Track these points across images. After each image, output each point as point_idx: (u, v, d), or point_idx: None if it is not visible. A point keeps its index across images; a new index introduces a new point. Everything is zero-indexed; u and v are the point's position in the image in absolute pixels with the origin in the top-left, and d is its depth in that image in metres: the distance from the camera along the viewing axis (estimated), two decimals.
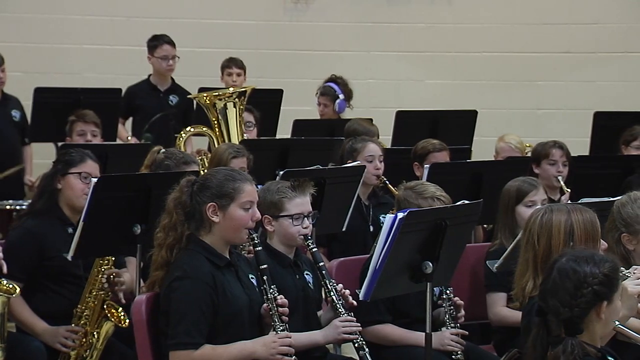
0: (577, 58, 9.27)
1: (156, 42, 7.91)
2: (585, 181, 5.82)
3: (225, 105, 6.54)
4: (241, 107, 6.59)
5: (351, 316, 4.14)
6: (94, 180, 4.54)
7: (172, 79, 8.03)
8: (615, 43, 9.26)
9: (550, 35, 9.25)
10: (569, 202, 4.66)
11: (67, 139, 6.49)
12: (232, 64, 8.19)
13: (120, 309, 4.71)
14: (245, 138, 6.50)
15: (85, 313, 4.71)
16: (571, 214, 3.54)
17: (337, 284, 4.20)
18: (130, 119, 8.01)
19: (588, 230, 3.54)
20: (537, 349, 3.06)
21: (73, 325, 4.70)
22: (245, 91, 6.65)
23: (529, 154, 6.89)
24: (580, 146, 7.26)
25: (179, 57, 7.93)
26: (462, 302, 4.50)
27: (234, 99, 6.57)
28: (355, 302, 4.18)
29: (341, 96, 7.97)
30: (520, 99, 9.25)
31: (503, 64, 9.27)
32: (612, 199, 4.21)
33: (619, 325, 3.17)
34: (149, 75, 8.01)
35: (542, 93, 9.30)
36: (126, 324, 4.65)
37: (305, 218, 4.26)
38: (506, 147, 6.85)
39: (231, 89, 6.94)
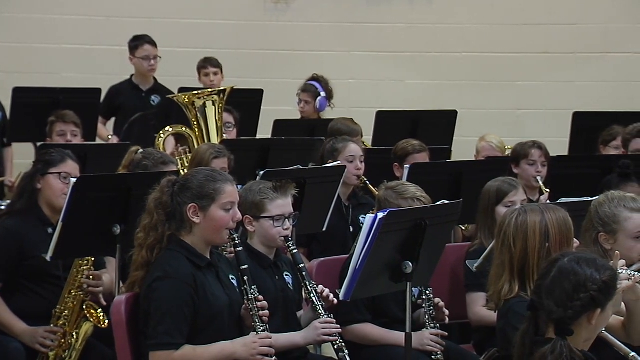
0: (556, 58, 9.32)
1: (137, 42, 7.90)
2: (564, 181, 5.84)
3: (204, 103, 6.53)
4: (220, 105, 6.58)
5: (331, 317, 4.14)
6: (73, 180, 4.53)
7: (155, 79, 8.01)
8: (594, 44, 9.31)
9: (529, 36, 9.29)
10: (548, 202, 4.68)
11: (47, 139, 6.46)
12: (207, 64, 8.18)
13: (100, 309, 4.70)
14: (225, 138, 6.50)
15: (64, 313, 4.69)
16: (545, 214, 3.56)
17: (317, 285, 4.20)
18: (112, 119, 8.00)
19: (562, 229, 3.56)
20: (526, 344, 3.06)
21: (52, 325, 4.68)
22: (225, 90, 6.64)
23: (509, 154, 6.91)
24: (559, 146, 7.30)
25: (160, 57, 7.91)
26: (443, 303, 4.51)
27: (214, 97, 6.56)
28: (336, 300, 4.18)
29: (322, 94, 7.96)
30: (499, 99, 9.29)
31: (483, 64, 9.30)
32: (590, 198, 4.23)
33: (605, 332, 3.18)
34: (132, 75, 7.99)
35: (521, 93, 9.34)
36: (105, 324, 4.64)
37: (286, 219, 4.26)
38: (487, 147, 6.87)
39: (209, 89, 6.94)
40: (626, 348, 3.28)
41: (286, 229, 4.25)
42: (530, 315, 3.07)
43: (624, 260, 3.68)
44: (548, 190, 5.90)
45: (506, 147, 7.14)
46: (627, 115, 7.27)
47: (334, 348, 4.13)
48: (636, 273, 3.55)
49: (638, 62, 9.30)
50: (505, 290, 3.56)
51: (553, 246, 3.52)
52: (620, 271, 3.48)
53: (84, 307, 4.71)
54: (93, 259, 4.72)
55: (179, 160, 6.25)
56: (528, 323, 3.07)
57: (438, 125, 7.56)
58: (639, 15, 9.35)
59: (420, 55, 9.31)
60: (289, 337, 4.11)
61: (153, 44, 7.90)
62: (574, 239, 3.69)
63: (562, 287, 3.00)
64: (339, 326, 4.14)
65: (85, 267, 4.70)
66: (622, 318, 3.67)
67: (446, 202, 4.58)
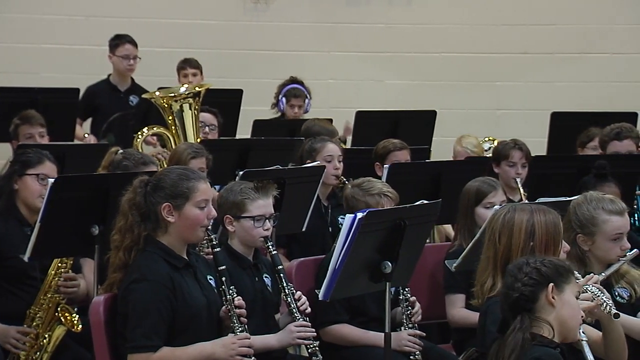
0: (535, 59, 9.35)
1: (118, 41, 7.85)
2: (542, 181, 5.86)
3: (181, 106, 6.53)
4: (196, 107, 6.59)
5: (307, 321, 4.14)
6: (51, 180, 4.50)
7: (132, 79, 7.97)
8: (573, 44, 9.36)
9: (508, 36, 9.32)
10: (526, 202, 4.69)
11: (12, 141, 6.38)
12: (186, 65, 8.15)
13: (74, 313, 4.67)
14: (205, 138, 6.49)
15: (38, 315, 4.67)
16: (534, 215, 3.56)
17: (295, 292, 4.20)
18: (89, 119, 7.95)
19: (550, 231, 3.55)
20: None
21: (25, 326, 4.66)
22: (200, 92, 6.64)
23: (488, 152, 6.95)
24: (537, 146, 7.31)
25: (140, 58, 7.88)
26: (418, 303, 4.52)
27: (189, 100, 6.56)
28: (310, 310, 4.18)
29: (308, 96, 8.00)
30: (479, 99, 9.32)
31: (462, 65, 9.32)
32: (567, 198, 4.25)
33: (584, 341, 3.22)
34: (109, 75, 7.95)
35: (500, 93, 9.37)
36: (79, 329, 4.61)
37: (267, 220, 4.25)
38: (463, 152, 6.86)
39: (184, 87, 6.92)
40: None
41: (266, 230, 4.24)
42: (499, 336, 3.14)
43: (597, 276, 3.70)
44: (525, 194, 5.90)
45: (489, 139, 7.14)
46: (605, 116, 7.30)
47: (308, 352, 4.14)
48: (600, 293, 3.56)
49: (616, 62, 9.35)
50: (488, 284, 3.58)
51: (538, 246, 3.52)
52: (586, 288, 3.51)
53: (59, 309, 4.68)
54: (72, 261, 4.69)
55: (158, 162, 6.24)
56: (497, 343, 3.13)
57: (417, 125, 7.58)
58: (617, 16, 9.40)
59: (400, 56, 9.32)
60: (264, 340, 4.11)
61: (134, 43, 7.86)
62: (565, 244, 3.69)
63: (511, 274, 3.16)
64: (313, 330, 4.14)
65: (63, 270, 4.67)
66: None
67: (425, 202, 4.58)
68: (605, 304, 3.54)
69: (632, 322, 3.83)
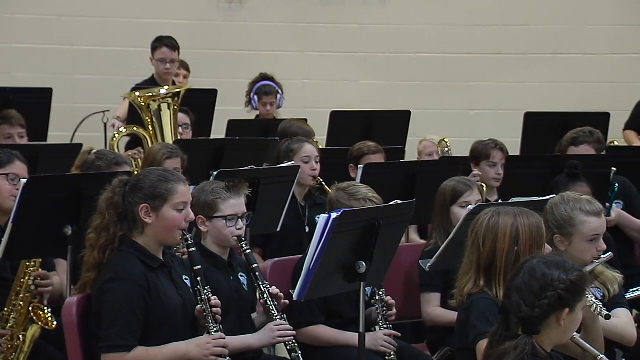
0: (508, 59, 9.41)
1: (157, 44, 7.64)
2: (515, 181, 5.89)
3: (159, 106, 6.49)
4: (175, 108, 6.55)
5: (285, 319, 4.14)
6: (24, 180, 4.47)
7: (174, 81, 7.80)
8: (545, 45, 9.42)
9: (481, 37, 9.37)
10: (500, 201, 4.71)
11: None
12: (181, 67, 8.02)
13: (47, 310, 4.64)
14: (180, 138, 6.47)
15: (12, 316, 4.63)
16: (517, 218, 3.57)
17: (270, 287, 4.20)
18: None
19: (533, 234, 3.57)
20: (494, 345, 3.10)
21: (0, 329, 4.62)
22: (179, 92, 6.60)
23: (443, 152, 7.03)
24: (511, 146, 7.34)
25: (179, 62, 7.70)
26: (393, 301, 4.53)
27: (168, 100, 6.53)
28: (288, 301, 4.18)
29: (280, 92, 7.98)
30: (452, 100, 9.36)
31: (436, 65, 9.36)
32: (540, 198, 4.27)
33: (576, 337, 3.22)
34: (152, 75, 7.77)
35: (474, 93, 9.42)
36: (53, 326, 4.58)
37: (240, 219, 4.25)
38: (429, 145, 6.91)
39: (164, 89, 6.87)
40: (595, 351, 3.32)
41: (239, 229, 4.24)
42: (501, 318, 3.11)
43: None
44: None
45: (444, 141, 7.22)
46: (578, 116, 7.35)
47: (287, 348, 4.14)
48: (590, 295, 3.58)
49: (588, 63, 9.43)
50: (468, 287, 3.59)
51: (522, 250, 3.54)
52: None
53: (31, 308, 4.65)
54: (40, 260, 4.66)
55: (133, 162, 6.20)
56: (498, 325, 3.11)
57: (392, 126, 7.58)
58: (589, 17, 9.48)
59: (374, 56, 9.35)
60: (243, 340, 4.10)
61: (171, 47, 7.61)
62: (547, 246, 3.70)
63: (529, 287, 3.06)
64: (292, 329, 4.14)
65: (32, 269, 4.64)
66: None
67: (399, 202, 4.59)
68: (595, 305, 3.55)
69: (607, 323, 3.85)
